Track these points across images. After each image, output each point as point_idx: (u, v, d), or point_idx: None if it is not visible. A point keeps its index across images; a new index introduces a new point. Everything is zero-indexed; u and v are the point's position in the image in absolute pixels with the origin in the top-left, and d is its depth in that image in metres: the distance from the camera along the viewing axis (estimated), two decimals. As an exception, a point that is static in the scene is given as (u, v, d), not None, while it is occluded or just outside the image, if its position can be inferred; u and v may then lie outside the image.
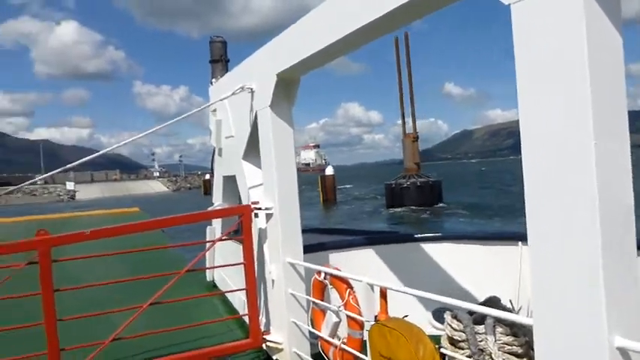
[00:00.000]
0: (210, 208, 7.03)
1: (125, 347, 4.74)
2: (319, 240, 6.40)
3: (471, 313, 3.73)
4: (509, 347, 3.51)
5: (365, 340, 3.58)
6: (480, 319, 3.75)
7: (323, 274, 4.34)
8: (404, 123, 46.90)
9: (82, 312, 4.82)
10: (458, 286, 6.04)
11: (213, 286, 7.86)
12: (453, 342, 4.32)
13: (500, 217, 36.06)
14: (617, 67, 1.99)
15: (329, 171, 58.99)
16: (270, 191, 4.95)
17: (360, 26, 3.31)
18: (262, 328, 5.16)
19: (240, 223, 5.20)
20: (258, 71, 5.14)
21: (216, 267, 7.52)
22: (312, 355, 4.65)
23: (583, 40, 1.89)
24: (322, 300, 4.46)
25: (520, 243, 5.58)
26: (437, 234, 6.60)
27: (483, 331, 4.10)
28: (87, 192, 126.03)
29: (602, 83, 1.92)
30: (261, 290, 5.38)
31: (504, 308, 4.83)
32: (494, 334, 4.03)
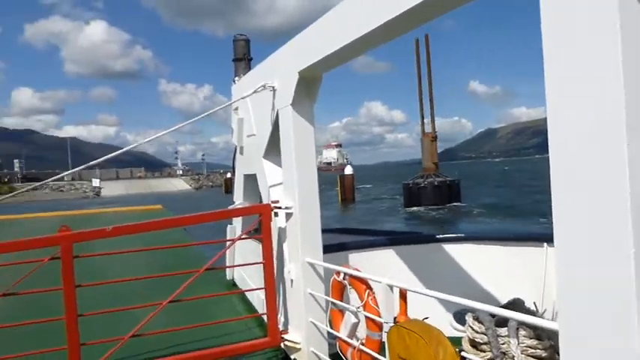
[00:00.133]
0: (230, 207, 7.06)
1: (144, 343, 4.78)
2: (339, 240, 6.37)
3: (493, 315, 3.65)
4: (533, 351, 3.42)
5: (384, 342, 3.53)
6: (502, 321, 3.66)
7: (342, 275, 4.31)
8: (423, 123, 47.79)
9: (104, 308, 4.89)
10: (480, 287, 5.94)
11: (232, 284, 7.89)
12: (475, 344, 4.23)
13: (518, 217, 36.00)
14: None
15: (348, 170, 59.68)
16: (290, 190, 4.93)
17: (381, 24, 3.27)
18: (281, 327, 5.15)
19: (259, 222, 5.20)
20: (279, 69, 5.13)
21: (236, 266, 7.54)
22: (330, 356, 4.62)
23: (617, 37, 1.81)
24: (341, 300, 4.43)
25: (545, 244, 5.45)
26: (459, 234, 6.51)
27: (506, 333, 4.01)
28: (112, 189, 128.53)
29: (636, 82, 1.83)
30: (280, 289, 5.37)
31: (528, 311, 4.73)
32: (517, 337, 3.93)
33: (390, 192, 64.65)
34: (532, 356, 3.40)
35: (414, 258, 6.21)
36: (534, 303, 4.80)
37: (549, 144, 2.09)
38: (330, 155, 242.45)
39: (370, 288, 4.00)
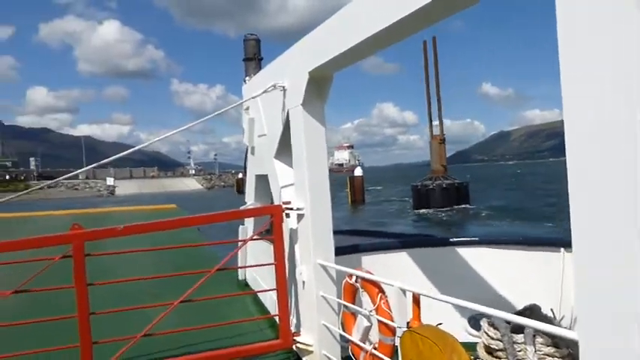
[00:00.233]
0: (242, 207, 7.04)
1: (156, 343, 4.78)
2: (352, 242, 6.31)
3: (509, 321, 3.57)
4: (550, 359, 3.33)
5: (396, 346, 3.47)
6: (518, 327, 3.58)
7: (354, 277, 4.25)
8: (431, 125, 48.31)
9: (116, 306, 4.89)
10: (495, 292, 5.85)
11: (245, 285, 7.87)
12: (490, 351, 4.15)
13: (527, 220, 35.87)
14: None
15: (358, 172, 60.35)
16: (302, 191, 4.89)
17: (391, 23, 3.24)
18: (293, 329, 5.12)
19: (271, 223, 5.17)
20: (290, 69, 5.10)
21: (248, 267, 7.52)
22: (343, 359, 4.57)
23: (635, 36, 1.74)
24: (353, 303, 4.38)
25: (563, 249, 5.35)
26: (473, 238, 6.43)
27: (522, 340, 3.92)
28: (125, 188, 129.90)
29: None
30: (292, 291, 5.33)
31: (545, 317, 4.63)
32: (534, 345, 3.84)
33: (399, 194, 64.81)
34: (549, 364, 3.32)
35: (428, 261, 6.14)
36: (551, 309, 4.70)
37: (566, 146, 2.02)
38: (342, 156, 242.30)
39: (383, 291, 3.95)
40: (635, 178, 1.77)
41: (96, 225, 4.74)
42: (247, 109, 6.87)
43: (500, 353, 3.60)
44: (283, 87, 5.17)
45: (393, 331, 3.71)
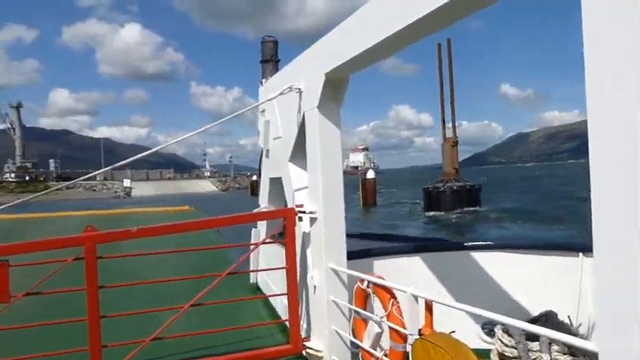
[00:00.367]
0: (255, 210, 7.03)
1: (166, 346, 4.78)
2: (364, 245, 6.26)
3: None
4: (567, 369, 3.25)
5: (408, 354, 3.41)
6: (534, 334, 3.50)
7: (366, 283, 4.20)
8: (444, 128, 48.50)
9: (128, 309, 4.90)
10: (510, 298, 5.74)
11: (256, 288, 7.86)
12: (504, 358, 4.06)
13: (539, 223, 35.54)
14: None
15: (370, 174, 61.21)
16: (315, 195, 4.86)
17: (408, 24, 3.20)
18: (303, 334, 5.08)
19: (284, 226, 5.14)
20: (306, 71, 5.07)
21: (259, 270, 7.51)
22: None
23: None
24: (365, 309, 4.32)
25: (581, 254, 5.22)
26: (488, 242, 6.32)
27: (538, 348, 3.83)
28: (142, 189, 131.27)
29: None
30: (303, 295, 5.30)
31: (562, 325, 4.53)
32: (550, 353, 3.75)
33: (412, 196, 64.67)
34: (566, 374, 3.23)
35: (441, 266, 6.05)
36: (568, 316, 4.59)
37: (590, 149, 1.96)
38: (357, 159, 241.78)
39: (395, 297, 3.89)
40: None
41: (112, 226, 4.76)
42: (263, 111, 6.85)
43: (514, 362, 3.53)
44: (299, 89, 5.14)
45: (404, 338, 3.65)
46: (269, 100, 5.77)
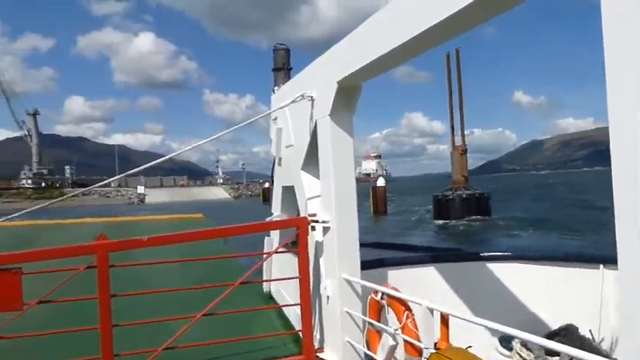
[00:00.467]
0: (268, 219, 6.99)
1: (178, 356, 4.73)
2: (378, 255, 6.18)
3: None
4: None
5: None
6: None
7: (380, 294, 4.13)
8: (453, 136, 48.58)
9: (140, 318, 4.87)
10: (528, 310, 5.61)
11: (269, 297, 7.80)
12: (522, 374, 3.95)
13: (550, 231, 35.03)
14: None
15: (380, 182, 61.49)
16: (328, 203, 4.80)
17: (420, 32, 3.16)
18: (316, 344, 5.00)
19: (297, 236, 5.09)
20: (318, 79, 5.04)
21: (272, 280, 7.44)
22: None
23: None
24: (379, 321, 4.24)
25: (602, 266, 5.08)
26: (505, 253, 6.20)
27: (557, 364, 3.72)
28: (156, 196, 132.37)
29: None
30: (317, 306, 5.23)
31: (583, 339, 4.40)
32: (570, 369, 3.63)
33: (422, 204, 64.39)
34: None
35: (457, 276, 5.94)
36: (590, 331, 4.46)
37: (612, 156, 1.88)
38: (370, 166, 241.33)
39: (409, 309, 3.81)
40: None
41: (125, 233, 4.74)
42: (275, 119, 6.83)
43: (533, 377, 3.43)
44: (311, 97, 5.11)
45: (419, 351, 3.57)
46: (281, 107, 5.75)
